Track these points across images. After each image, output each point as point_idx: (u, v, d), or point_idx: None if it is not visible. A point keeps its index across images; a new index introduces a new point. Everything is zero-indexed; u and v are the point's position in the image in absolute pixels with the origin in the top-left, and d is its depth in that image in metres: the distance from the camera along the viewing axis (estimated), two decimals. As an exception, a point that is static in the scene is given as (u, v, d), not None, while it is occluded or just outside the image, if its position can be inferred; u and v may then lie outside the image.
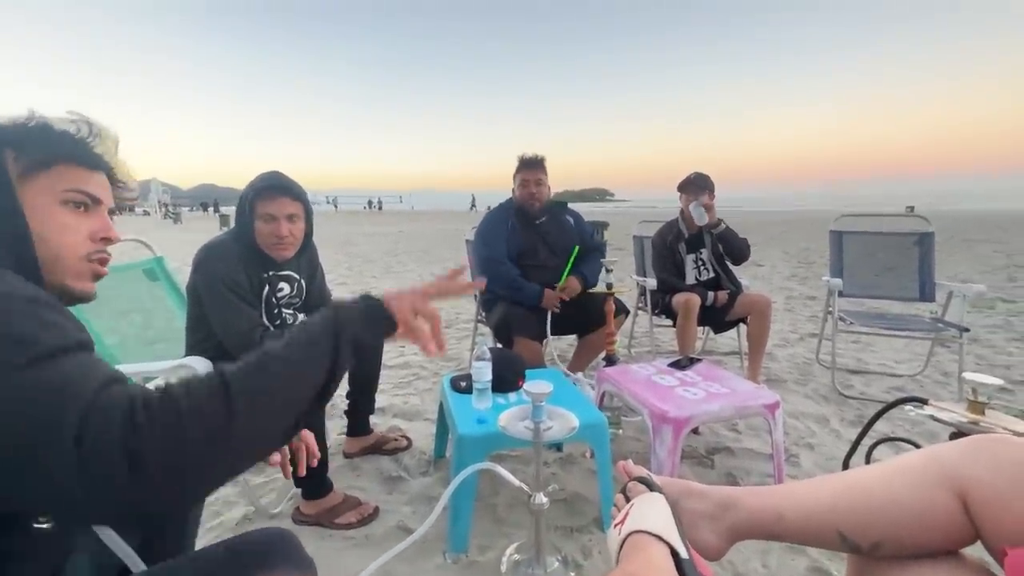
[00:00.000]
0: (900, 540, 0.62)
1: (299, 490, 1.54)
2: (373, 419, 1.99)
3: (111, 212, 0.72)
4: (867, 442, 1.25)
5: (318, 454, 0.89)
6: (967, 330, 2.43)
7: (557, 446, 1.93)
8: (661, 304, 2.77)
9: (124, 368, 1.49)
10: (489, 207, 2.74)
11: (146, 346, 1.77)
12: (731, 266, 2.72)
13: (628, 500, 0.69)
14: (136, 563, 0.69)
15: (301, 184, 1.53)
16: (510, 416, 1.19)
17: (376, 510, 1.56)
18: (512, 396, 1.61)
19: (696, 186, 2.62)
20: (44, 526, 0.55)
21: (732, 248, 2.65)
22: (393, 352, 3.27)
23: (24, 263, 0.60)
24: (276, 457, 0.83)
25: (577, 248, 2.38)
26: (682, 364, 1.95)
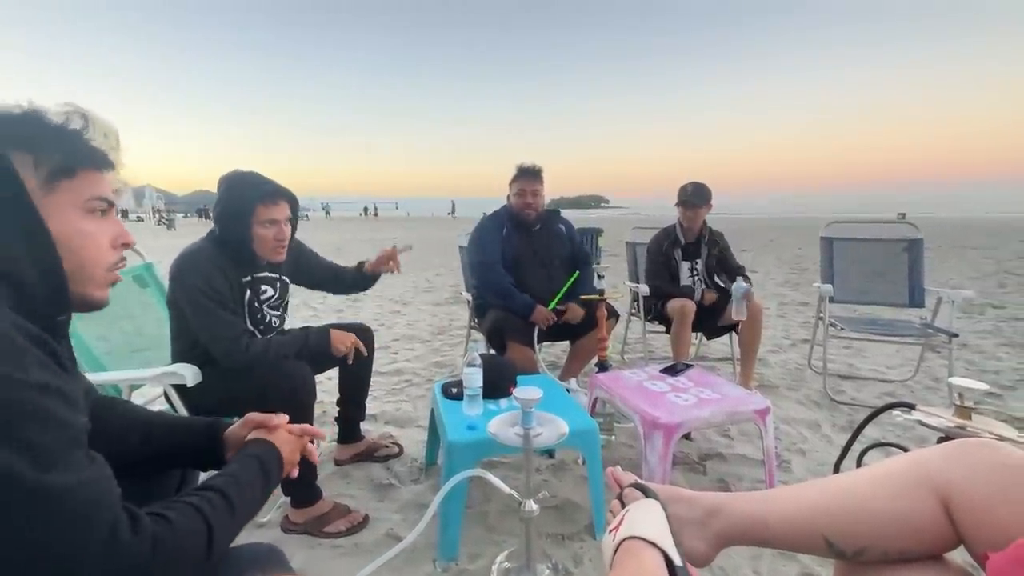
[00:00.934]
0: (884, 545, 0.62)
1: (288, 498, 1.52)
2: (364, 426, 1.98)
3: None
4: (858, 447, 1.25)
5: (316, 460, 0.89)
6: (956, 335, 2.45)
7: (549, 453, 1.92)
8: (654, 310, 2.78)
9: (112, 376, 1.48)
10: (485, 213, 2.72)
11: (135, 353, 1.76)
12: (724, 282, 2.75)
13: (624, 506, 0.69)
14: None
15: (290, 188, 1.55)
16: (500, 422, 1.18)
17: (366, 518, 1.54)
18: (503, 402, 1.60)
19: (694, 202, 2.64)
20: None
21: (727, 267, 2.74)
22: (385, 359, 3.26)
23: (50, 280, 0.59)
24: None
25: (577, 274, 2.37)
26: (674, 370, 1.95)
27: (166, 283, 1.96)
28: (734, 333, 2.65)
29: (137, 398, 1.70)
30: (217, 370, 1.45)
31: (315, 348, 1.59)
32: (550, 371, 2.74)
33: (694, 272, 2.74)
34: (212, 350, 1.44)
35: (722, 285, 2.72)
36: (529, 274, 2.42)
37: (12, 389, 0.47)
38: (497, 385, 1.60)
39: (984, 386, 1.04)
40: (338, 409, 1.90)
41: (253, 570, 0.64)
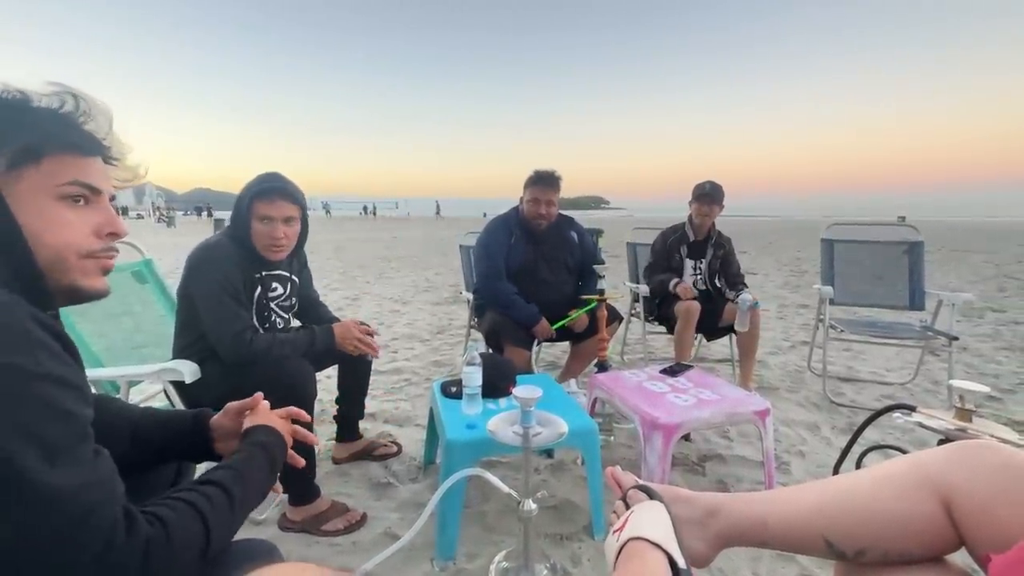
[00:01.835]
0: (885, 547, 0.61)
1: (285, 496, 1.52)
2: (363, 424, 1.98)
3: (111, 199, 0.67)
4: (857, 450, 1.25)
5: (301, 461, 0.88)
6: (956, 338, 2.45)
7: (548, 452, 1.92)
8: (656, 311, 2.78)
9: (110, 372, 1.47)
10: (485, 214, 2.67)
11: (134, 350, 1.75)
12: (721, 285, 2.75)
13: (628, 507, 0.69)
14: None
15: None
16: (499, 421, 1.18)
17: (364, 517, 1.54)
18: (503, 402, 1.60)
19: (710, 198, 2.65)
20: None
21: (727, 272, 2.74)
22: (385, 358, 3.26)
23: (22, 273, 0.56)
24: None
25: (593, 304, 2.24)
26: (673, 370, 1.95)
27: (165, 280, 1.98)
28: (733, 335, 2.64)
29: (135, 395, 1.70)
30: (218, 366, 1.44)
31: (321, 349, 1.59)
32: (549, 372, 2.74)
33: (697, 272, 2.74)
34: (216, 343, 1.44)
35: (719, 287, 2.73)
36: (537, 282, 2.38)
37: (28, 381, 0.47)
38: (496, 384, 1.60)
39: (985, 388, 1.03)
40: (337, 407, 1.89)
41: (248, 566, 0.64)
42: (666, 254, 2.76)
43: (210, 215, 31.64)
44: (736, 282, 2.71)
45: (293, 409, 0.87)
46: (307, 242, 1.68)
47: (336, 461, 1.88)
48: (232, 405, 0.84)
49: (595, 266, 2.37)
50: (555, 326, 2.29)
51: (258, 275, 1.54)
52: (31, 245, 0.57)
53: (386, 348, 3.50)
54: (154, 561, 0.51)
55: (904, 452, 1.07)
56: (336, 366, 1.83)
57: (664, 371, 1.95)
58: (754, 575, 1.34)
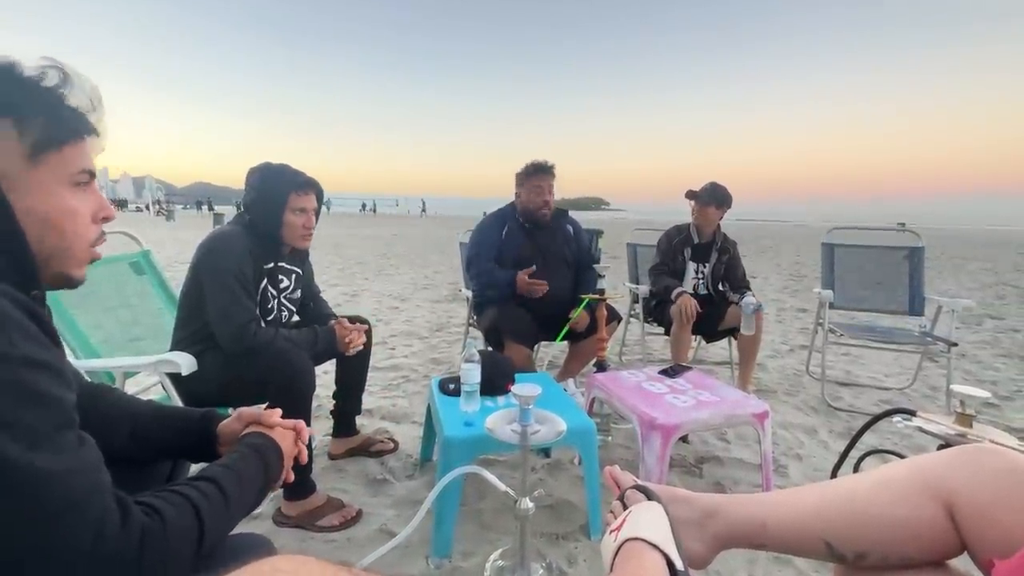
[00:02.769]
0: (886, 550, 0.61)
1: (280, 490, 1.51)
2: (360, 420, 1.97)
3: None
4: (855, 454, 1.25)
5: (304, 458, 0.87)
6: (955, 344, 2.45)
7: (545, 452, 1.91)
8: (655, 312, 2.77)
9: (106, 363, 1.47)
10: (486, 213, 2.67)
11: (131, 342, 1.74)
12: (724, 288, 2.73)
13: (626, 507, 0.68)
14: None
15: None
16: (497, 419, 1.17)
17: (359, 513, 1.53)
18: (501, 400, 1.59)
19: (701, 199, 2.64)
20: None
21: (732, 276, 2.70)
22: (382, 354, 3.25)
23: (16, 260, 0.55)
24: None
25: (589, 298, 2.24)
26: (672, 371, 1.95)
27: (165, 273, 1.97)
28: (733, 337, 2.64)
29: (131, 386, 1.69)
30: (216, 358, 1.44)
31: (322, 349, 1.62)
32: (547, 371, 2.73)
33: (699, 275, 2.72)
34: (219, 332, 1.43)
35: (722, 291, 2.71)
36: (535, 274, 2.36)
37: (2, 364, 0.45)
38: (495, 382, 1.59)
39: (986, 394, 1.03)
40: (334, 403, 1.88)
41: (244, 558, 0.63)
42: (671, 254, 2.73)
43: (211, 209, 31.56)
44: (740, 286, 2.69)
45: (300, 425, 0.85)
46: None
47: (332, 457, 1.87)
48: (246, 413, 0.82)
49: (595, 265, 2.37)
50: (559, 336, 2.28)
51: (268, 267, 1.56)
52: (47, 233, 0.57)
53: (384, 345, 3.49)
54: (150, 552, 0.50)
55: (902, 457, 1.06)
56: (334, 361, 1.83)
57: (663, 372, 1.95)
58: (750, 577, 1.34)
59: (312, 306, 1.85)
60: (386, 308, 4.86)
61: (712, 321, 2.59)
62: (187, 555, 0.54)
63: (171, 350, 1.49)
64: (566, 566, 1.35)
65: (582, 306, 2.27)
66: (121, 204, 35.12)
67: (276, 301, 1.61)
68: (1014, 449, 0.87)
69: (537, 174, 2.42)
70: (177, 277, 1.55)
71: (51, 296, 0.63)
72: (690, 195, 2.68)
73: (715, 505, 0.72)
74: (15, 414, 0.45)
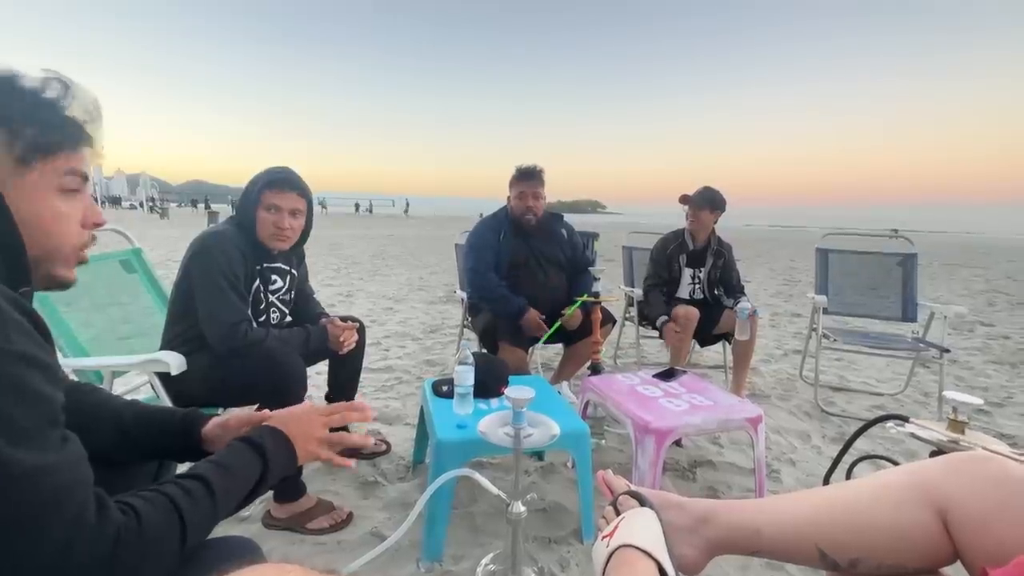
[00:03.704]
0: (879, 557, 0.61)
1: (270, 492, 1.49)
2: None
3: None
4: (848, 460, 1.25)
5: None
6: (948, 350, 2.46)
7: (538, 455, 1.90)
8: (650, 316, 2.77)
9: (94, 361, 1.45)
10: (483, 214, 2.65)
11: (121, 341, 1.72)
12: (719, 293, 2.74)
13: (618, 513, 0.67)
14: None
15: None
16: (490, 422, 1.17)
17: (350, 515, 1.52)
18: (495, 402, 1.58)
19: (695, 203, 2.64)
20: None
21: (726, 280, 2.71)
22: (376, 355, 3.23)
23: (10, 260, 0.56)
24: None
25: (584, 296, 2.25)
26: (667, 375, 1.94)
27: (156, 272, 1.94)
28: (727, 342, 2.64)
29: (119, 386, 1.67)
30: (207, 357, 1.42)
31: (314, 348, 1.60)
32: (542, 374, 2.73)
33: (696, 280, 2.72)
34: (209, 331, 1.42)
35: (717, 295, 2.72)
36: (527, 278, 2.38)
37: None
38: (489, 384, 1.58)
39: (979, 401, 1.03)
40: (326, 404, 1.87)
41: (227, 566, 0.61)
42: (666, 264, 2.72)
43: (207, 207, 31.34)
44: (735, 290, 2.70)
45: (345, 407, 0.80)
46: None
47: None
48: (236, 417, 0.80)
49: (591, 268, 2.37)
50: (549, 332, 2.27)
51: (259, 267, 1.54)
52: (34, 236, 0.58)
53: (378, 346, 3.47)
54: (124, 550, 0.49)
55: (895, 463, 1.06)
56: (327, 362, 1.81)
57: (658, 375, 1.95)
58: (743, 583, 1.33)
59: (304, 306, 1.83)
60: (380, 309, 4.84)
61: (707, 326, 2.60)
62: (166, 554, 0.53)
63: (161, 349, 1.48)
64: (558, 570, 1.34)
65: (576, 305, 2.27)
66: (115, 201, 34.85)
67: (269, 302, 1.59)
68: (1008, 456, 0.87)
69: (522, 180, 2.39)
70: (170, 276, 1.53)
71: (40, 293, 0.63)
72: (683, 200, 2.69)
73: (708, 511, 0.71)
74: (6, 409, 0.45)
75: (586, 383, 1.93)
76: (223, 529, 0.66)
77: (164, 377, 1.39)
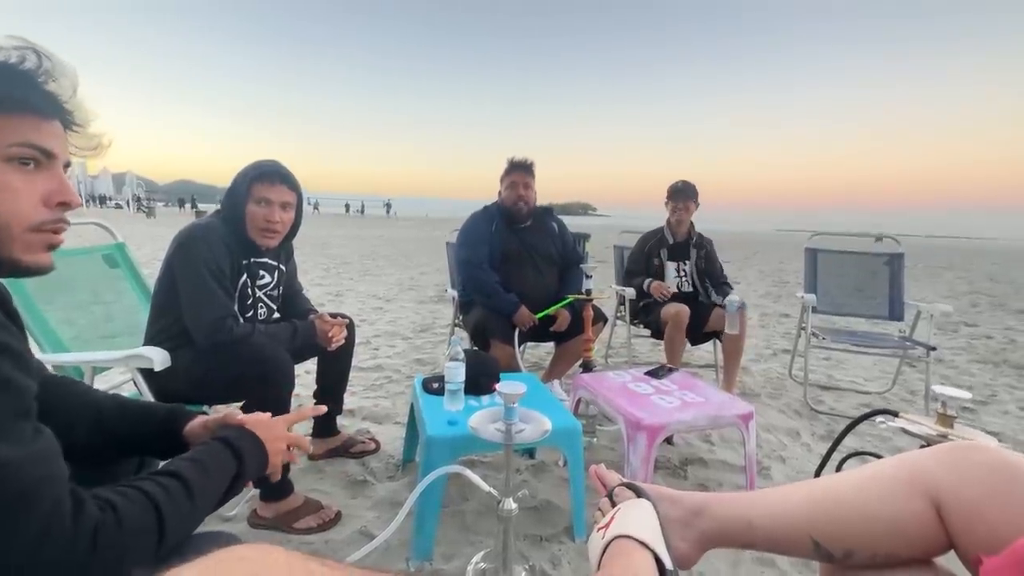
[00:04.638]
0: (873, 548, 0.60)
1: (256, 491, 1.47)
2: (341, 420, 1.93)
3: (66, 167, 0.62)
4: (837, 456, 1.25)
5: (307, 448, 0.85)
6: (934, 348, 2.49)
7: (530, 453, 1.89)
8: (641, 315, 2.78)
9: (75, 357, 1.41)
10: (476, 212, 2.64)
11: (103, 339, 1.68)
12: (707, 286, 2.76)
13: (614, 505, 0.66)
14: None
15: None
16: (481, 418, 1.15)
17: (338, 515, 1.49)
18: (485, 399, 1.57)
19: (684, 194, 2.71)
20: None
21: (712, 269, 2.76)
22: (365, 354, 3.20)
23: None
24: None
25: (575, 297, 2.23)
26: (658, 373, 1.94)
27: (140, 268, 1.90)
28: (718, 340, 2.65)
29: (100, 383, 1.63)
30: (190, 353, 1.39)
31: (300, 344, 1.57)
32: (533, 372, 2.71)
33: (681, 273, 2.74)
34: (192, 326, 1.39)
35: (706, 288, 2.74)
36: (518, 271, 2.39)
37: None
38: (480, 381, 1.57)
39: (967, 394, 1.04)
40: (315, 402, 1.84)
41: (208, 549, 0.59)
42: (643, 259, 2.78)
43: (194, 206, 30.94)
44: (720, 283, 2.73)
45: (301, 414, 0.83)
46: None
47: (312, 457, 1.82)
48: (214, 419, 0.79)
49: (582, 265, 2.36)
50: (539, 315, 2.28)
51: (246, 262, 1.50)
52: None
53: (367, 345, 3.44)
54: (102, 546, 0.47)
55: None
56: (316, 360, 1.78)
57: (649, 373, 1.95)
58: (734, 579, 1.33)
59: (292, 302, 1.80)
60: (370, 308, 4.81)
61: (697, 323, 2.61)
62: (145, 549, 0.52)
63: (145, 343, 1.44)
64: (549, 568, 1.33)
65: (561, 303, 2.28)
66: (101, 200, 34.33)
67: (256, 297, 1.56)
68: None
69: (514, 171, 2.44)
70: (156, 274, 1.49)
71: (20, 290, 0.60)
72: (670, 194, 2.76)
73: (702, 504, 0.71)
74: None
75: (577, 380, 1.92)
76: (206, 528, 0.64)
77: (147, 374, 1.35)
